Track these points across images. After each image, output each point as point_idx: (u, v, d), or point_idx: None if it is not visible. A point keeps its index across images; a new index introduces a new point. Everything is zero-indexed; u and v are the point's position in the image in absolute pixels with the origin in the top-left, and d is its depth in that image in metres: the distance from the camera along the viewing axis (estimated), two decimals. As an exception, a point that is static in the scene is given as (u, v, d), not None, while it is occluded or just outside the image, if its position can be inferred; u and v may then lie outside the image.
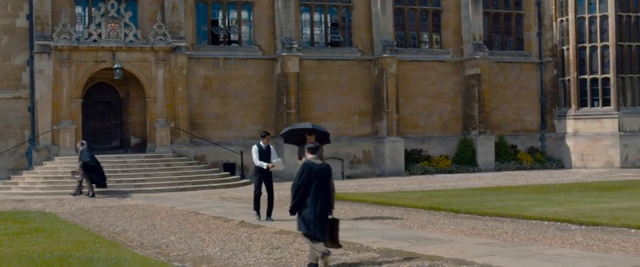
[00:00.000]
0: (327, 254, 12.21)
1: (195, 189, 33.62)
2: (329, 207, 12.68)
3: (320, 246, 12.30)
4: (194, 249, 15.36)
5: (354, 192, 29.77)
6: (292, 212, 12.80)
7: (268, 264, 13.24)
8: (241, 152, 39.23)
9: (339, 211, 22.41)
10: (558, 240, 15.11)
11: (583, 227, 17.26)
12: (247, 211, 23.24)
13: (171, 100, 38.51)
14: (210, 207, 24.71)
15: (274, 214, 20.51)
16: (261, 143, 20.47)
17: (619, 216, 18.29)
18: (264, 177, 20.54)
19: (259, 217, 20.45)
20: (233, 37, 42.42)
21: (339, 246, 13.01)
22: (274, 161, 20.35)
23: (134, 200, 28.55)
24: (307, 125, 21.14)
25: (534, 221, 18.61)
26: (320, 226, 12.42)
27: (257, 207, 20.73)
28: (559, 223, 18.01)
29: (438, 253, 13.38)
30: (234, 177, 37.98)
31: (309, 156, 12.77)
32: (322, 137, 20.15)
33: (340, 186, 34.61)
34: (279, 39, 41.04)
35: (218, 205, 25.81)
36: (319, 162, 12.70)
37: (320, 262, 12.32)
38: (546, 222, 18.26)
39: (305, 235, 12.68)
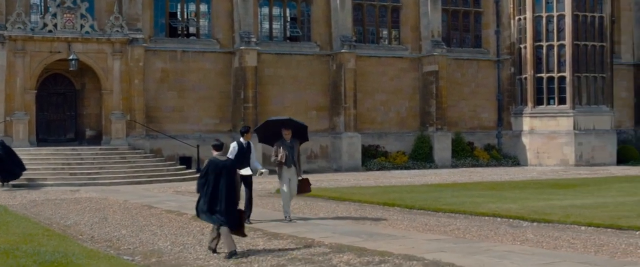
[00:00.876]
0: (235, 253, 13.31)
1: (150, 182, 33.35)
2: (235, 199, 13.82)
3: (228, 236, 13.48)
4: (145, 243, 15.20)
5: (314, 187, 29.60)
6: (196, 208, 14.02)
7: (218, 258, 13.13)
8: (198, 146, 39.02)
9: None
10: (509, 237, 15.16)
11: (535, 224, 17.35)
12: (201, 205, 23.11)
13: (127, 93, 38.19)
14: (163, 201, 24.52)
15: (253, 215, 18.66)
16: (242, 140, 18.16)
17: (570, 213, 18.41)
18: (243, 179, 17.93)
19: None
20: (191, 30, 42.18)
21: (245, 235, 14.29)
22: (260, 169, 18.54)
23: (87, 193, 28.25)
24: (284, 118, 19.35)
25: (487, 218, 18.67)
26: (228, 217, 13.50)
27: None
28: (511, 220, 18.09)
29: (388, 249, 13.36)
30: (189, 171, 37.72)
31: (214, 153, 14.02)
32: (300, 132, 18.71)
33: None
34: (237, 33, 40.84)
35: (172, 199, 25.63)
36: (224, 158, 14.01)
37: (213, 244, 13.74)
38: (499, 219, 18.33)
39: (215, 226, 13.71)
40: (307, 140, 19.34)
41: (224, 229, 13.49)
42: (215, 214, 13.55)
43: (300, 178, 18.44)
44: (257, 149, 18.65)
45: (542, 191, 26.56)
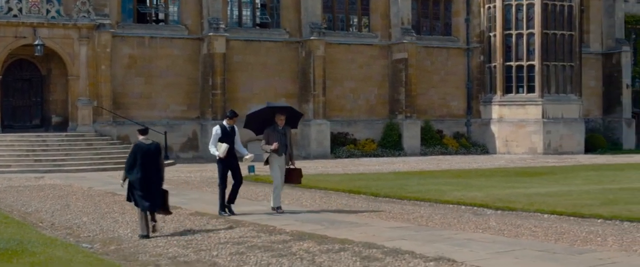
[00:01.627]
0: (155, 222, 14.50)
1: (116, 169, 32.95)
2: (160, 181, 14.63)
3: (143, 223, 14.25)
4: (106, 230, 15.04)
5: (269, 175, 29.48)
6: (128, 196, 14.80)
7: (178, 246, 12.99)
8: (165, 133, 38.74)
9: (259, 193, 22.28)
10: (472, 225, 15.12)
11: (498, 212, 17.32)
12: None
13: (94, 79, 37.87)
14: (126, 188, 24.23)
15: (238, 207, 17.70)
16: (225, 123, 17.13)
17: (534, 201, 18.42)
18: (230, 164, 17.12)
19: (228, 213, 17.03)
20: (160, 16, 41.85)
21: (170, 213, 15.34)
22: (246, 155, 17.50)
23: (51, 180, 27.97)
24: (284, 105, 18.73)
25: (451, 206, 18.63)
26: (153, 198, 14.42)
27: (223, 203, 17.23)
28: (475, 208, 18.06)
29: (349, 236, 13.28)
30: (157, 157, 37.42)
31: (140, 137, 14.55)
32: (293, 118, 17.91)
33: (264, 169, 34.33)
34: (206, 19, 40.57)
35: (137, 186, 25.33)
36: (149, 142, 14.51)
37: (149, 232, 14.20)
38: (463, 207, 18.29)
39: (140, 208, 14.42)
40: (296, 127, 18.74)
41: (144, 212, 14.26)
42: (142, 197, 14.31)
43: (291, 167, 17.58)
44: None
45: (508, 179, 26.59)
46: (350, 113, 44.73)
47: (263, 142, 17.27)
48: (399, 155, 43.54)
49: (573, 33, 46.76)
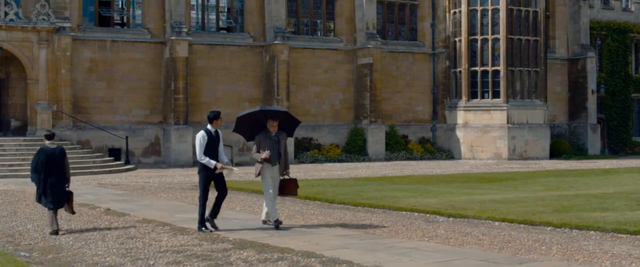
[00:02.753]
0: (56, 230, 15.04)
1: (74, 174, 32.47)
2: (65, 181, 15.52)
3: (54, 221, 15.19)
4: (48, 238, 14.67)
5: (235, 181, 29.20)
6: (37, 197, 15.60)
7: (117, 255, 12.65)
8: (126, 137, 38.42)
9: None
10: (420, 232, 14.89)
11: (451, 219, 17.11)
12: (117, 198, 22.62)
13: (54, 83, 37.40)
14: (81, 194, 23.85)
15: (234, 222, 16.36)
16: (209, 127, 15.33)
17: (487, 208, 18.22)
18: (213, 173, 15.28)
19: (211, 228, 15.25)
20: (122, 19, 41.42)
21: (74, 212, 16.14)
22: (231, 166, 15.91)
23: (6, 185, 27.53)
24: (280, 109, 16.10)
25: (404, 212, 18.40)
26: (58, 198, 15.39)
27: (203, 217, 15.42)
28: (428, 215, 17.83)
29: (291, 245, 13.00)
30: (117, 162, 37.11)
31: (46, 142, 15.46)
32: (289, 124, 16.07)
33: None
34: (168, 23, 40.21)
35: (91, 191, 25.05)
36: (54, 146, 15.41)
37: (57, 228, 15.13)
38: (416, 214, 18.06)
39: (49, 208, 15.38)
40: (292, 135, 16.61)
41: (51, 211, 15.28)
42: (46, 197, 15.34)
43: (284, 177, 15.72)
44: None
45: (468, 185, 26.45)
46: (315, 118, 44.49)
47: (254, 149, 15.51)
48: (364, 160, 43.36)
49: (538, 38, 46.80)
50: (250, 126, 15.72)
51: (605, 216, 16.33)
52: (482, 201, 20.25)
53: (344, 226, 16.05)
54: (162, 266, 11.62)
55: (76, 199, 22.17)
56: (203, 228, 15.26)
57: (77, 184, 28.34)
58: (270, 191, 15.49)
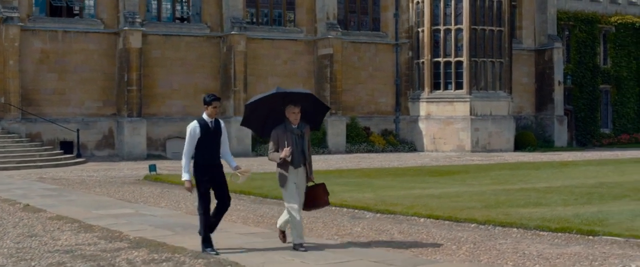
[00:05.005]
0: None
1: (18, 168, 31.75)
2: None
3: None
4: (-57, 236, 13.86)
5: (179, 175, 28.36)
6: None
7: (5, 255, 11.86)
8: (77, 130, 37.55)
9: (149, 193, 21.10)
10: (335, 230, 14.16)
11: (378, 215, 16.39)
12: (46, 193, 21.78)
13: (2, 74, 36.57)
14: (11, 189, 23.09)
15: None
16: (205, 116, 11.51)
17: (418, 203, 17.48)
18: (213, 178, 11.59)
19: (215, 251, 11.42)
20: (74, 9, 40.47)
21: None
22: (239, 171, 11.79)
23: (-61, 179, 26.66)
24: (301, 90, 12.37)
25: (333, 208, 17.59)
26: None
27: (208, 233, 11.67)
28: (356, 210, 17.10)
29: (186, 244, 12.21)
30: (68, 156, 36.26)
31: None
32: (314, 113, 12.04)
33: (173, 167, 33.26)
34: (122, 13, 39.28)
35: (24, 186, 24.19)
36: None
37: None
38: (345, 209, 17.32)
39: None
40: (318, 128, 12.75)
41: None
42: None
43: (311, 184, 11.88)
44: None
45: (416, 179, 25.74)
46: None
47: (270, 148, 11.70)
48: (323, 153, 42.62)
49: (502, 29, 46.14)
50: (265, 117, 11.76)
51: (534, 212, 15.62)
52: (418, 195, 19.53)
53: (260, 223, 15.31)
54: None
55: (4, 194, 21.42)
56: (208, 249, 11.45)
57: (17, 178, 27.59)
58: (296, 204, 11.53)
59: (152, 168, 28.42)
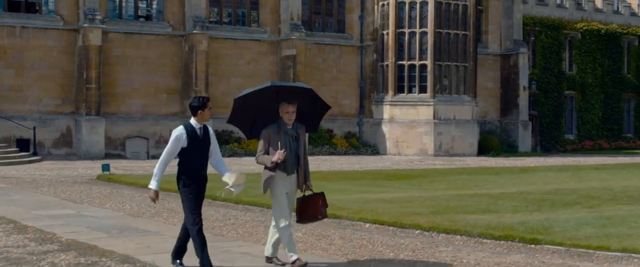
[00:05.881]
0: None
1: (-32, 167, 31.10)
2: None
3: None
4: None
5: (133, 175, 28.02)
6: None
7: None
8: (34, 128, 36.98)
9: (97, 194, 20.64)
10: (262, 234, 13.82)
11: (324, 219, 15.98)
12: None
13: (-44, 70, 35.81)
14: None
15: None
16: (194, 121, 9.99)
17: (365, 208, 17.17)
18: (202, 188, 10.21)
19: None
20: (33, 5, 39.82)
21: None
22: (230, 183, 10.14)
23: None
24: (299, 85, 10.64)
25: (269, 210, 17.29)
26: None
27: (207, 258, 9.95)
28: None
29: (118, 248, 11.84)
30: (23, 154, 35.64)
31: None
32: (312, 112, 10.68)
33: (130, 166, 32.81)
34: (81, 9, 38.70)
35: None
36: None
37: None
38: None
39: None
40: (316, 130, 11.26)
41: None
42: None
43: (309, 192, 10.81)
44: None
45: (373, 183, 25.46)
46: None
47: (260, 148, 10.26)
48: (285, 154, 42.16)
49: (468, 33, 45.98)
50: (254, 114, 10.44)
51: (481, 218, 15.35)
52: (369, 200, 19.22)
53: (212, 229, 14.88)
54: (-39, 271, 10.46)
55: (-54, 193, 20.89)
56: None
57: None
58: (283, 214, 10.39)
59: (106, 168, 27.97)
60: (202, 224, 10.00)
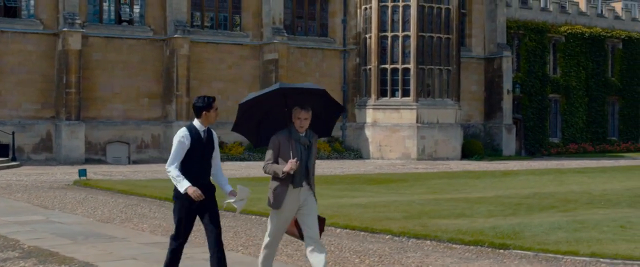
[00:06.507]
0: None
1: (-56, 172, 30.80)
2: None
3: None
4: None
5: (110, 180, 27.75)
6: None
7: None
8: (13, 133, 36.75)
9: (71, 199, 20.38)
10: (244, 240, 13.66)
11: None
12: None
13: None
14: None
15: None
16: (197, 123, 8.96)
17: (339, 213, 16.88)
18: (202, 201, 8.75)
19: None
20: (12, 8, 39.53)
21: None
22: (231, 199, 8.99)
23: None
24: (311, 86, 9.17)
25: (253, 217, 17.16)
26: None
27: None
28: (264, 218, 16.53)
29: (80, 255, 11.61)
30: (2, 159, 35.44)
31: None
32: (326, 117, 9.38)
33: (109, 171, 32.53)
34: (61, 13, 38.44)
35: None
36: None
37: None
38: (263, 218, 16.71)
39: None
40: (330, 134, 9.91)
41: None
42: None
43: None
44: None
45: (350, 187, 25.29)
46: (219, 115, 42.92)
47: (267, 158, 8.95)
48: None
49: (451, 36, 45.87)
50: (261, 120, 9.28)
51: (453, 223, 15.17)
52: (344, 205, 19.01)
53: (168, 232, 14.66)
54: None
55: None
56: None
57: None
58: (276, 240, 9.22)
59: (82, 173, 27.72)
60: (183, 245, 8.93)
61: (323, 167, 37.16)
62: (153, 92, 41.12)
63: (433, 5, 45.06)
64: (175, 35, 40.32)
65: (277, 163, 8.81)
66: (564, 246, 12.05)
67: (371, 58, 45.30)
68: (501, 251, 12.26)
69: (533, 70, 55.32)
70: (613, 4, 62.80)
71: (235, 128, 9.31)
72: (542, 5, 57.21)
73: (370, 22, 45.29)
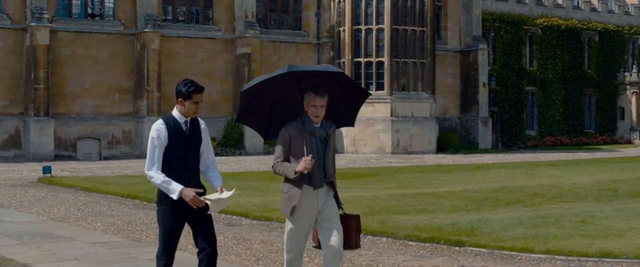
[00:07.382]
0: None
1: None
2: None
3: None
4: None
5: (76, 177, 27.31)
6: None
7: None
8: (-21, 130, 36.16)
9: (31, 197, 19.96)
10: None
11: (254, 221, 15.55)
12: None
13: None
14: None
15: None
16: (177, 113, 7.29)
17: (298, 210, 16.61)
18: (190, 208, 7.15)
19: None
20: (-19, 4, 39.04)
21: None
22: (217, 181, 7.53)
23: None
24: (323, 68, 7.83)
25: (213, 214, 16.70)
26: None
27: None
28: (234, 216, 16.21)
29: (20, 256, 11.22)
30: (-32, 156, 34.81)
31: None
32: (347, 104, 8.11)
33: (78, 168, 32.10)
34: (29, 8, 37.91)
35: None
36: None
37: None
38: (223, 215, 16.40)
39: None
40: (352, 124, 8.57)
41: None
42: None
43: (340, 212, 7.69)
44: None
45: (319, 182, 24.84)
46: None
47: (277, 156, 7.61)
48: (240, 154, 41.68)
49: (425, 29, 45.59)
50: (270, 109, 7.82)
51: (412, 219, 14.85)
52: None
53: (120, 231, 14.29)
54: None
55: None
56: None
57: None
58: (297, 242, 7.67)
59: (47, 170, 27.30)
60: (172, 256, 7.32)
61: (296, 162, 36.81)
62: (124, 88, 40.65)
63: (407, -2, 44.77)
64: (146, 30, 39.89)
65: (288, 161, 7.46)
66: (520, 243, 11.74)
67: (345, 51, 44.97)
68: (456, 248, 11.94)
69: (509, 62, 55.14)
70: (589, -4, 62.71)
71: (239, 119, 7.97)
72: (517, -3, 57.04)
73: (344, 15, 44.94)
